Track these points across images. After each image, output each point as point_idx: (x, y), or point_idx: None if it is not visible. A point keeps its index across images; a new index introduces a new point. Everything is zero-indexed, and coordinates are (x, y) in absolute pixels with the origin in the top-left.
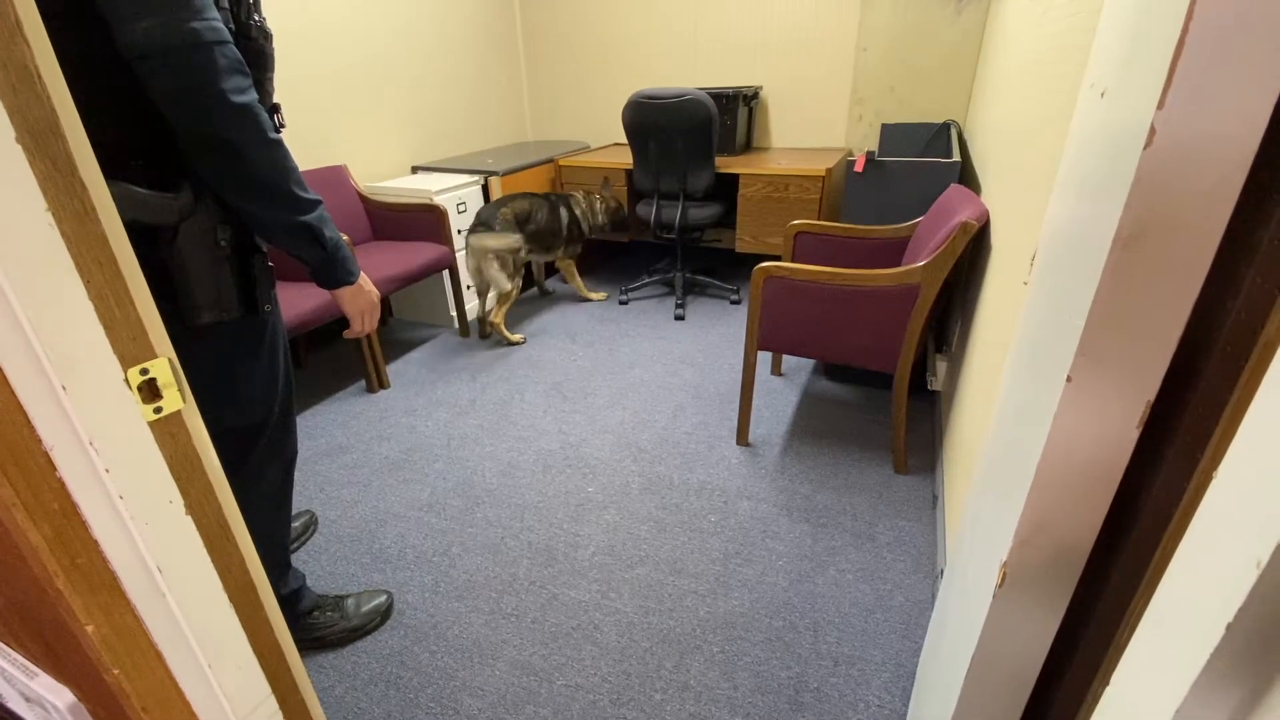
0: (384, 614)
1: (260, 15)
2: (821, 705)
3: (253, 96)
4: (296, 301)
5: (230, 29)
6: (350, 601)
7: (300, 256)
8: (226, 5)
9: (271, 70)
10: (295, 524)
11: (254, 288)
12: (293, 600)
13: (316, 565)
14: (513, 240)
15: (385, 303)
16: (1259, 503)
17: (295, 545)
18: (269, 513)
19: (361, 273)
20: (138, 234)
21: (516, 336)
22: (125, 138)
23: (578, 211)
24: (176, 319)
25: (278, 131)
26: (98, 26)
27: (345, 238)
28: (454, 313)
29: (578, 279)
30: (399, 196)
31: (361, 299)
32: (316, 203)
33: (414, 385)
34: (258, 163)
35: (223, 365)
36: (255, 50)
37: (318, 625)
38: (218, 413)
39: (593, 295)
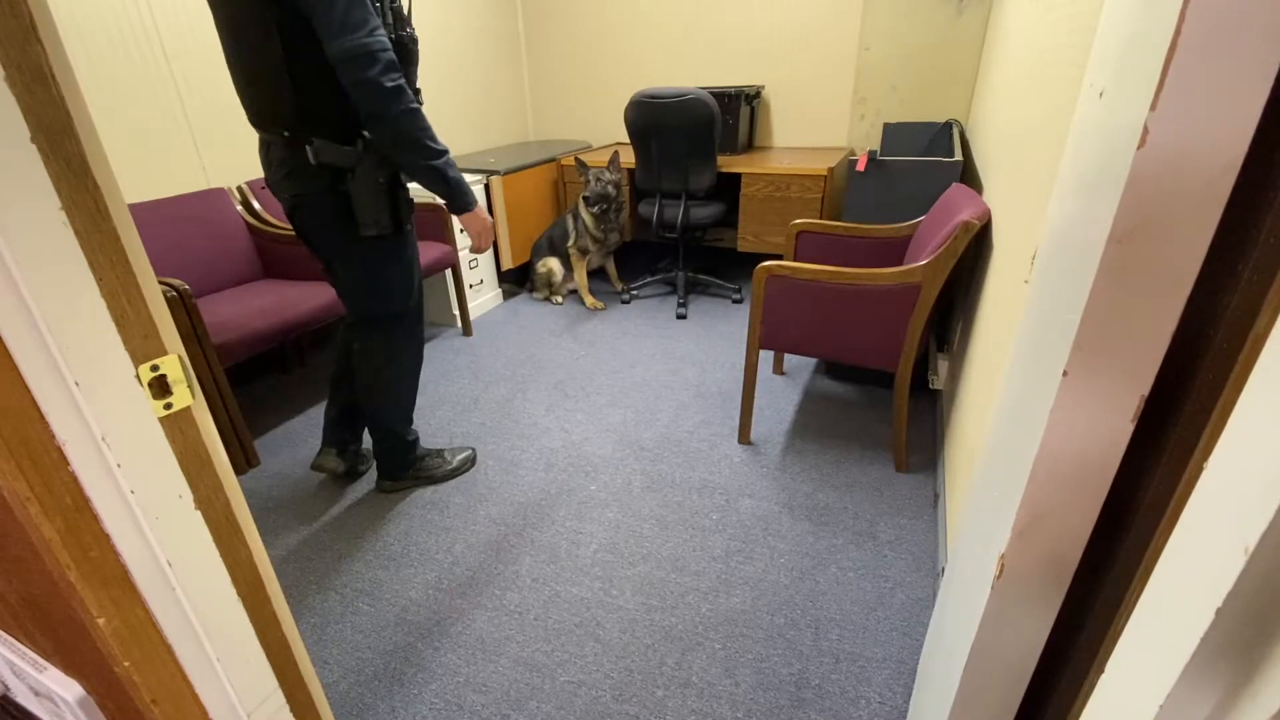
0: (471, 461)
1: (410, 28)
2: (823, 702)
3: (400, 81)
4: (298, 301)
5: (391, 38)
6: (447, 452)
7: (434, 189)
8: (390, 21)
9: (416, 65)
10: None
11: (400, 212)
12: (412, 444)
13: (321, 561)
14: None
15: None
16: (1247, 491)
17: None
18: (406, 381)
19: (479, 204)
20: (334, 173)
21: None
22: (328, 112)
23: (578, 211)
24: (353, 231)
25: (417, 104)
26: (318, 44)
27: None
28: (456, 311)
29: (583, 277)
30: None
31: (477, 222)
32: (443, 152)
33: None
34: (400, 125)
35: (377, 267)
36: (405, 51)
37: (426, 467)
38: (369, 302)
39: (588, 298)
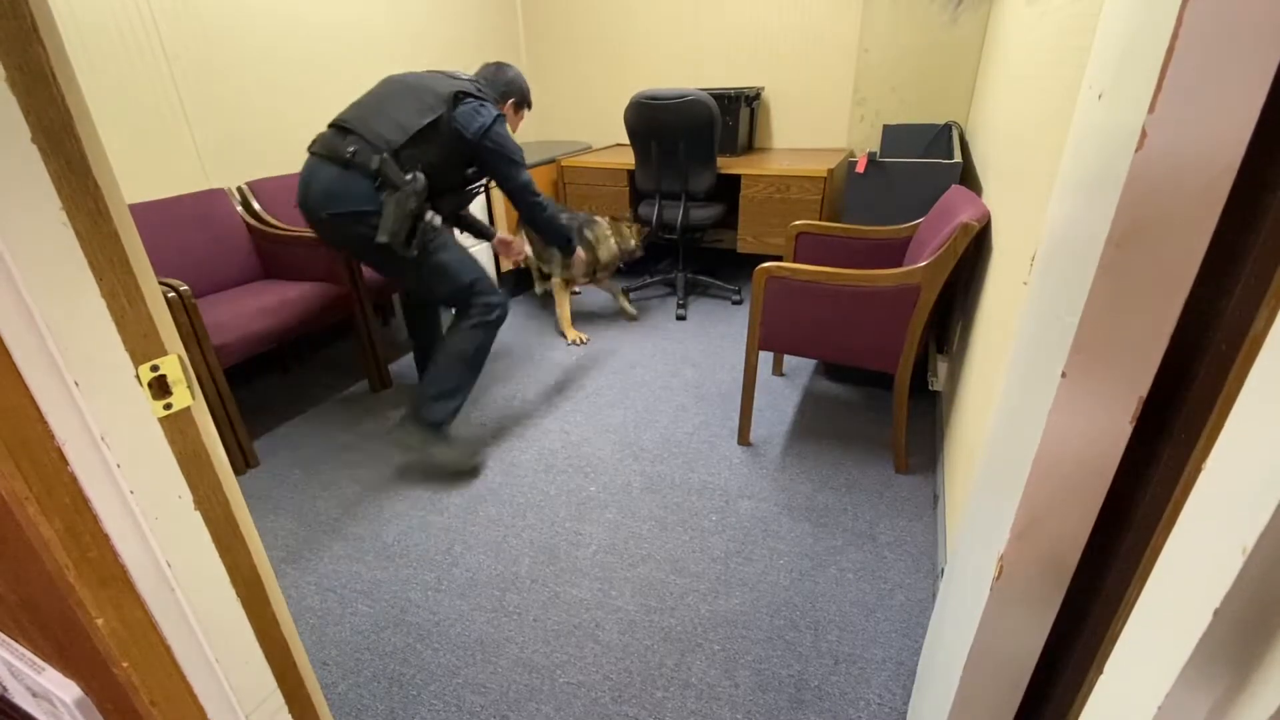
0: (474, 467)
1: None
2: (822, 703)
3: (539, 198)
4: (298, 302)
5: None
6: (460, 444)
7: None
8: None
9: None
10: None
11: (414, 237)
12: (453, 411)
13: (318, 562)
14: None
15: (387, 303)
16: (1245, 492)
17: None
18: (474, 357)
19: (576, 248)
20: (387, 188)
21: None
22: (418, 163)
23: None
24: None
25: (544, 201)
26: (460, 155)
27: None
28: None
29: (565, 310)
30: None
31: (578, 260)
32: (567, 233)
33: (416, 384)
34: (539, 219)
35: (405, 271)
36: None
37: (439, 440)
38: (434, 292)
39: (570, 332)
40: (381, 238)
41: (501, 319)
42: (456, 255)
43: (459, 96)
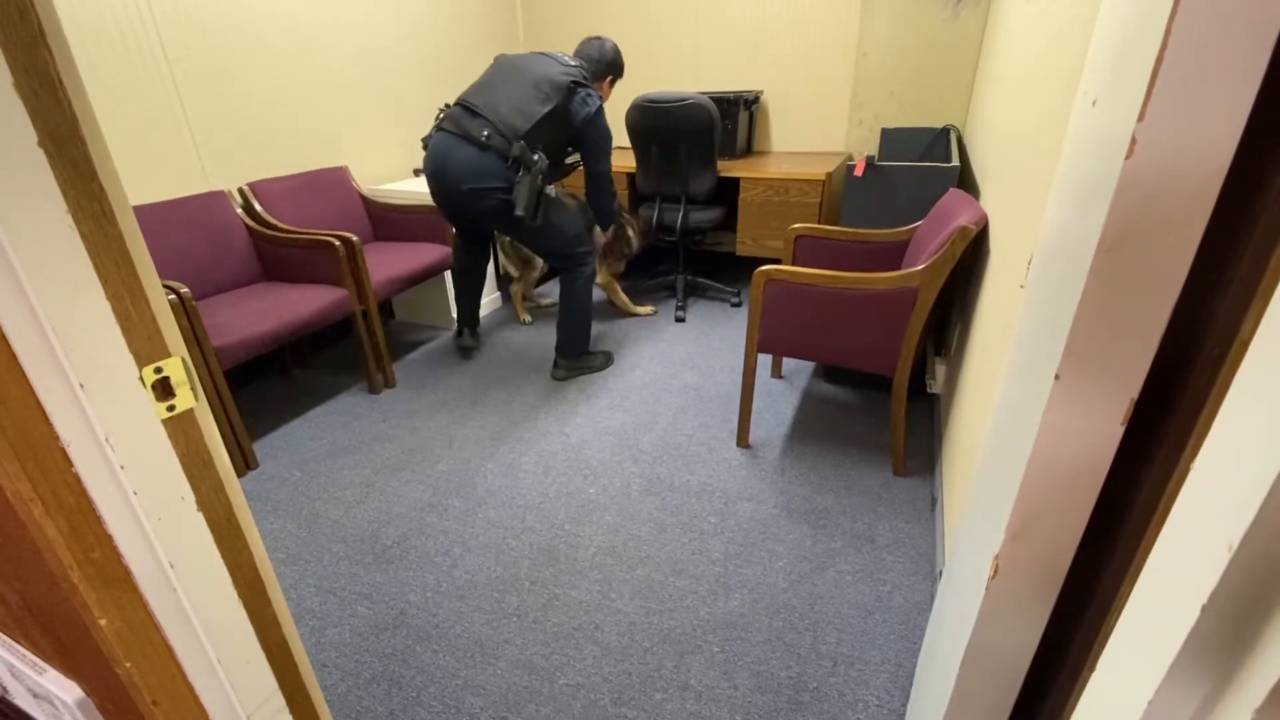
0: (608, 360)
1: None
2: (821, 705)
3: (614, 189)
4: (298, 304)
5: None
6: (597, 355)
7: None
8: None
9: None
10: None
11: (539, 210)
12: (585, 348)
13: (318, 564)
14: None
15: (387, 304)
16: (1231, 490)
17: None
18: (583, 306)
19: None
20: (509, 172)
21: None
22: (539, 144)
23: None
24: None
25: (614, 192)
26: (564, 135)
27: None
28: (455, 314)
29: (621, 295)
30: (400, 198)
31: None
32: (613, 212)
33: (416, 386)
34: (607, 207)
35: (526, 234)
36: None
37: (588, 364)
38: (550, 251)
39: (640, 310)
40: (519, 213)
41: (593, 267)
42: (563, 216)
43: (573, 87)
